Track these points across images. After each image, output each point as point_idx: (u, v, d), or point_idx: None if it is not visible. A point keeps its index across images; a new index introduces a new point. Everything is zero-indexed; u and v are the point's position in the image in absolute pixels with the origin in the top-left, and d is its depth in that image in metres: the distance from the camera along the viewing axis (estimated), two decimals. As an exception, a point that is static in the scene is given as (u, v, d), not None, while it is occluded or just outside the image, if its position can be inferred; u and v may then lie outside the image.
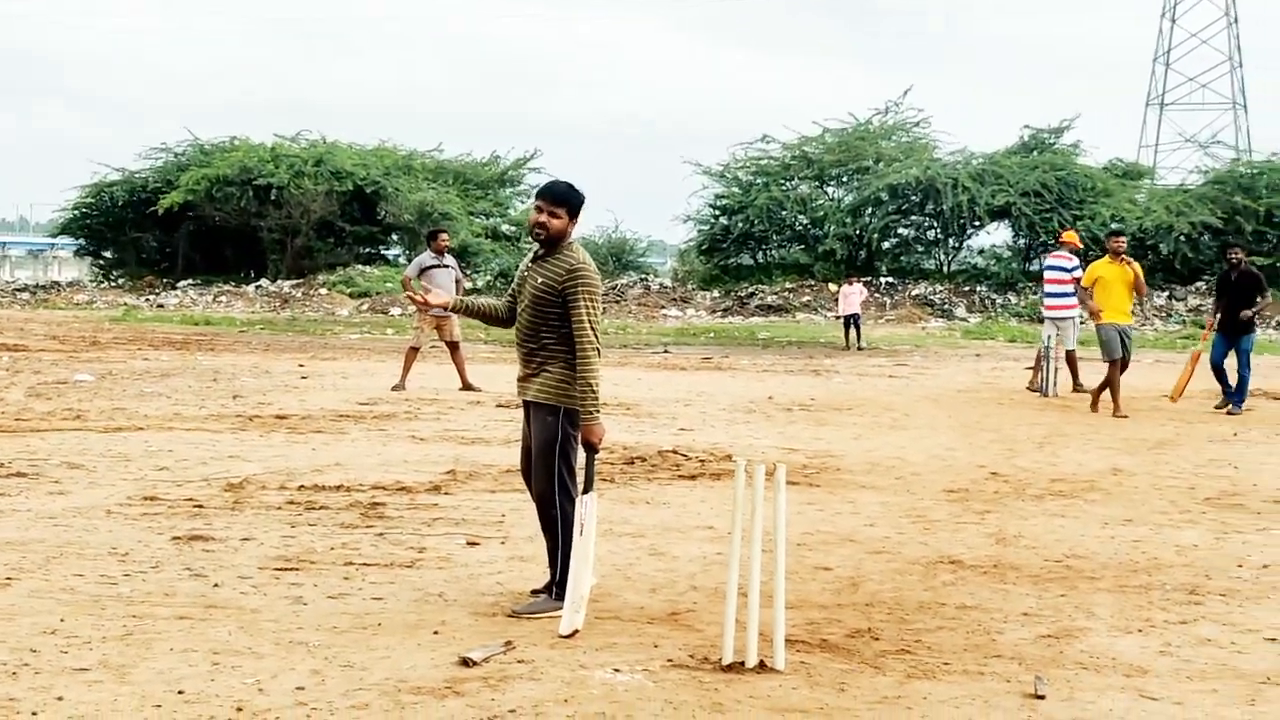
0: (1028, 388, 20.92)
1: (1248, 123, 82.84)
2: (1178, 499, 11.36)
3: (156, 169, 54.21)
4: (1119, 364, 17.93)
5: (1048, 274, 21.17)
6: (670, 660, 6.43)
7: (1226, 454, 14.16)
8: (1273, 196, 46.23)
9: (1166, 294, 45.96)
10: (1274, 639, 7.07)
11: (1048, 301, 21.06)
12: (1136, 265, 18.21)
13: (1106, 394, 17.98)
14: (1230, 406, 18.33)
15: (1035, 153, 50.80)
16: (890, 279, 48.83)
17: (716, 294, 48.82)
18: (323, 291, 47.08)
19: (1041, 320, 21.46)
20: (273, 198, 50.43)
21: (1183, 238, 45.72)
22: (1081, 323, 20.99)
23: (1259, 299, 18.63)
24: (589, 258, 7.42)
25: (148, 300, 46.84)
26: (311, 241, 51.31)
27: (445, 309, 7.91)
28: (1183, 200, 47.27)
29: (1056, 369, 20.42)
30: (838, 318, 35.56)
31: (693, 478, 11.96)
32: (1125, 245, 18.19)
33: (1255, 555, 9.15)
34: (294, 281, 49.02)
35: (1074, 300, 20.45)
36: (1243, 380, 18.29)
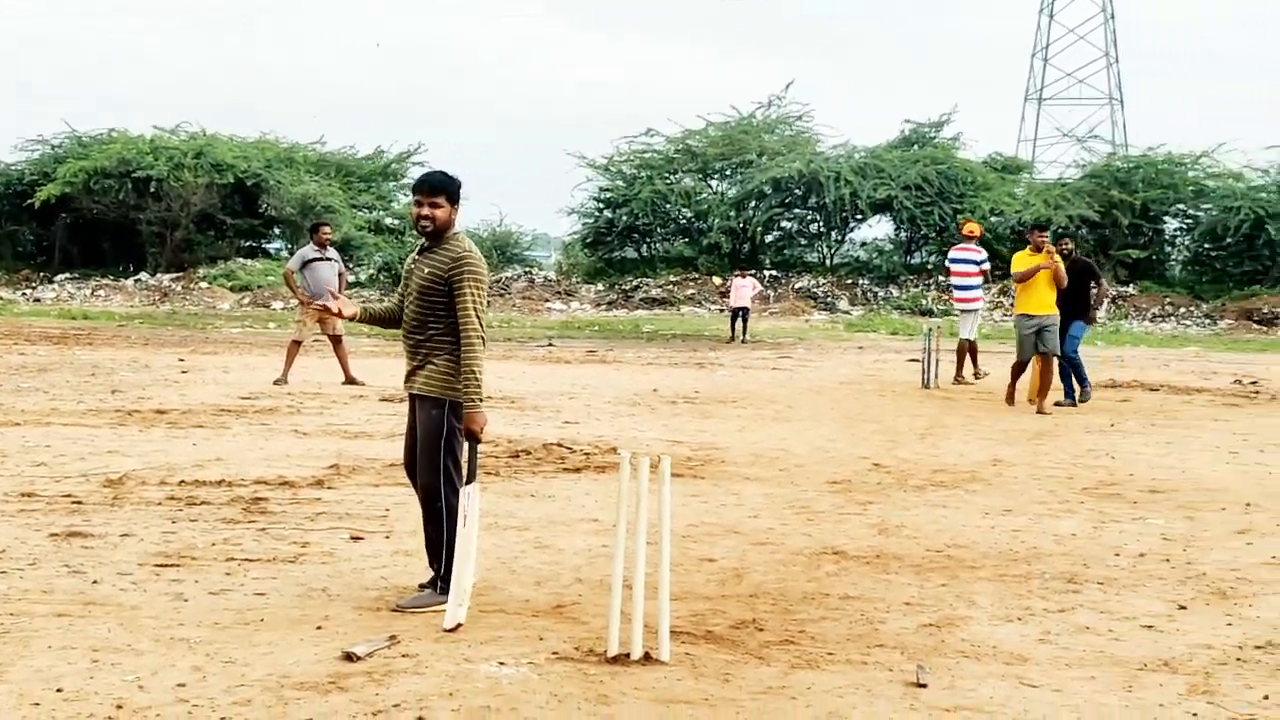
0: (955, 381, 20.88)
1: (1124, 117, 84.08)
2: (1056, 489, 11.51)
3: (32, 161, 53.27)
4: (1025, 365, 17.96)
5: (957, 267, 21.30)
6: (555, 653, 6.42)
7: (1103, 444, 14.37)
8: (1148, 190, 46.92)
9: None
10: (1150, 626, 7.18)
11: (959, 294, 21.25)
12: (1059, 257, 18.26)
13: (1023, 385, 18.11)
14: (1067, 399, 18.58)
15: (916, 147, 51.23)
16: (774, 272, 49.03)
17: (601, 287, 48.82)
18: (203, 285, 46.56)
19: (925, 314, 21.69)
20: (152, 190, 49.77)
21: (1060, 231, 46.29)
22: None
23: (1095, 288, 18.92)
24: (474, 247, 7.40)
25: (24, 294, 46.09)
26: (192, 234, 50.70)
27: (350, 319, 7.81)
28: (1060, 194, 47.85)
29: (936, 360, 20.61)
30: (724, 311, 35.70)
31: (577, 471, 11.96)
32: (1048, 239, 18.26)
33: (1131, 544, 9.29)
34: (174, 275, 48.42)
35: (980, 293, 20.87)
36: (1076, 368, 18.52)
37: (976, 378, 20.85)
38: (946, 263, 21.89)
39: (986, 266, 21.20)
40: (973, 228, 22.11)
